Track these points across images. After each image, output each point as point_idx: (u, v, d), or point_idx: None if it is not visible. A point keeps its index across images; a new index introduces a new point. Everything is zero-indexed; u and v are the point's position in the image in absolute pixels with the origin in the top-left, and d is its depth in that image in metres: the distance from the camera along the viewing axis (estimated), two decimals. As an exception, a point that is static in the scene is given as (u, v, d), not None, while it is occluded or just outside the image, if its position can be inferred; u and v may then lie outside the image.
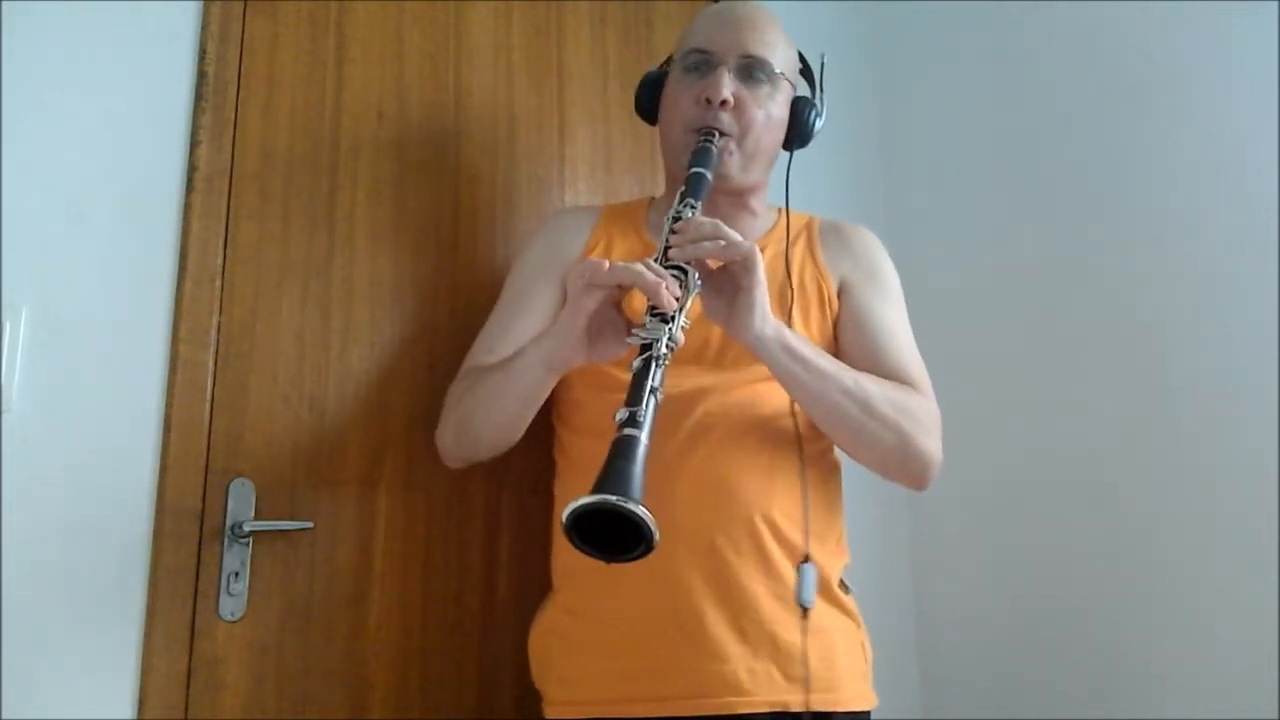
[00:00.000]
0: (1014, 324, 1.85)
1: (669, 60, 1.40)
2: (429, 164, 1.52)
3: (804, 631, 1.13)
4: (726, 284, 1.10)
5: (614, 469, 0.90)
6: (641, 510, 0.87)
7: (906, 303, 1.35)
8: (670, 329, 1.02)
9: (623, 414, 0.95)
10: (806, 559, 1.12)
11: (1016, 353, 1.84)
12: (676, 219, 1.14)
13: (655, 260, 1.08)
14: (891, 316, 1.30)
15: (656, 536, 0.88)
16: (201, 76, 1.35)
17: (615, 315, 1.09)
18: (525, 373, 1.16)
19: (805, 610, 1.09)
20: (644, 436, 0.93)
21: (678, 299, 1.04)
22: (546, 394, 1.19)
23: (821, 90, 1.37)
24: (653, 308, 1.03)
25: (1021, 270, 1.85)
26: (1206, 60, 1.63)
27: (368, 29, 1.50)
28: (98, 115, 1.28)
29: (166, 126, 1.32)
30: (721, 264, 1.10)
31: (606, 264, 1.04)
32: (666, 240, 1.11)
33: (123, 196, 1.28)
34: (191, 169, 1.32)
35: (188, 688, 1.22)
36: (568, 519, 0.88)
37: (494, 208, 1.57)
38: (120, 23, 1.31)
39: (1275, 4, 1.54)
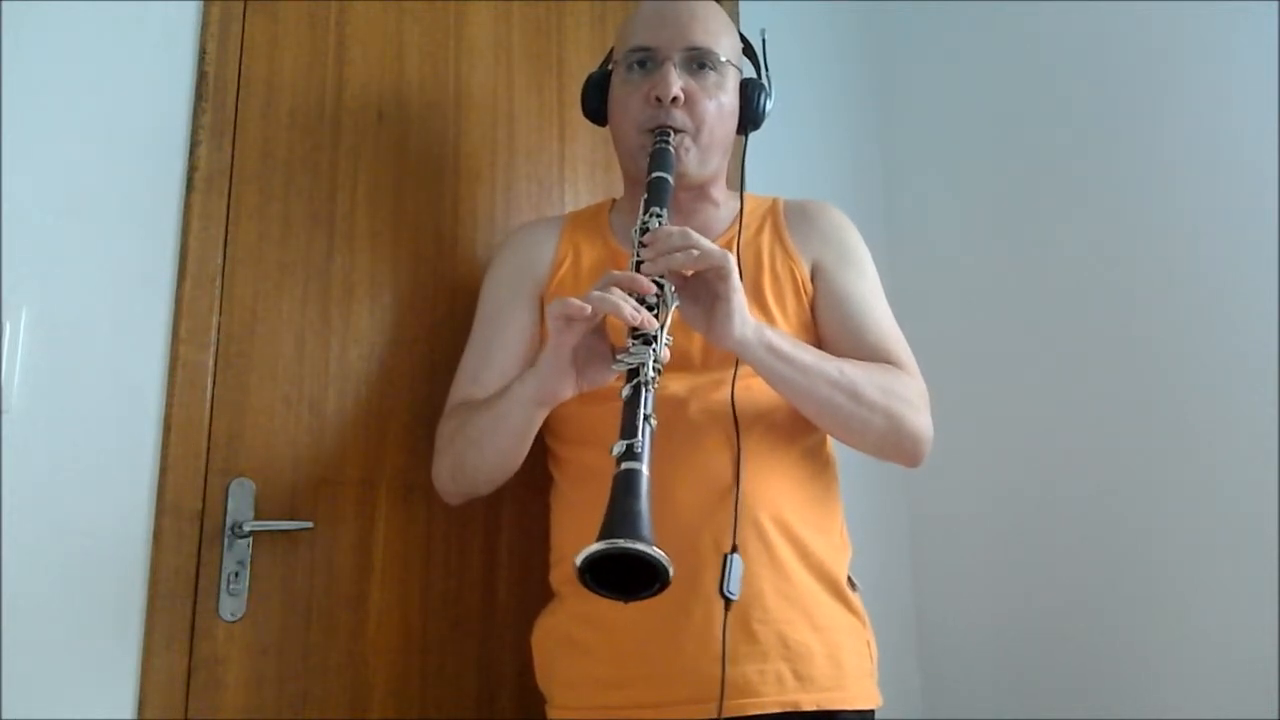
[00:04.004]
0: (1013, 318, 1.85)
1: (608, 59, 1.39)
2: (429, 164, 1.53)
3: (726, 623, 1.10)
4: (703, 291, 1.09)
5: (620, 508, 0.90)
6: (655, 551, 0.87)
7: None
8: (654, 350, 1.02)
9: (619, 447, 0.95)
10: (734, 549, 1.10)
11: (1015, 348, 1.84)
12: (644, 230, 1.13)
13: None
14: (868, 294, 1.30)
15: (672, 573, 0.89)
16: (201, 76, 1.35)
17: (598, 341, 1.09)
18: (515, 411, 1.16)
19: (728, 601, 1.07)
20: (644, 468, 0.94)
21: (657, 314, 1.04)
22: (538, 426, 1.19)
23: (767, 69, 1.35)
24: (634, 329, 1.03)
25: (1020, 265, 1.85)
26: (1206, 59, 1.63)
27: (368, 29, 1.50)
28: (98, 115, 1.28)
29: (166, 126, 1.32)
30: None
31: (586, 307, 1.03)
32: (637, 254, 1.10)
33: (123, 196, 1.28)
34: (191, 169, 1.32)
35: (188, 688, 1.22)
36: (580, 565, 0.88)
37: (494, 208, 1.57)
38: (120, 23, 1.31)
39: (1275, 4, 1.54)
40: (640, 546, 0.87)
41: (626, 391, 1.00)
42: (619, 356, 1.03)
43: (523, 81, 1.64)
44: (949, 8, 2.05)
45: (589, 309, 1.03)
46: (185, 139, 1.32)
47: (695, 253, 1.07)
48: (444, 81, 1.56)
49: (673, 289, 1.08)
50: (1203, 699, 1.50)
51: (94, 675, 1.18)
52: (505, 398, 1.17)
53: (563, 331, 1.06)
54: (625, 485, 0.92)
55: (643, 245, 1.11)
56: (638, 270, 1.09)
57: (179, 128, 1.33)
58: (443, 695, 1.38)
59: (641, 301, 1.05)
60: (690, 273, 1.09)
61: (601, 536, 0.88)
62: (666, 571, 0.88)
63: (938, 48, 2.08)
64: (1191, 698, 1.51)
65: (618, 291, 1.03)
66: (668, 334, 1.05)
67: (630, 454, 0.94)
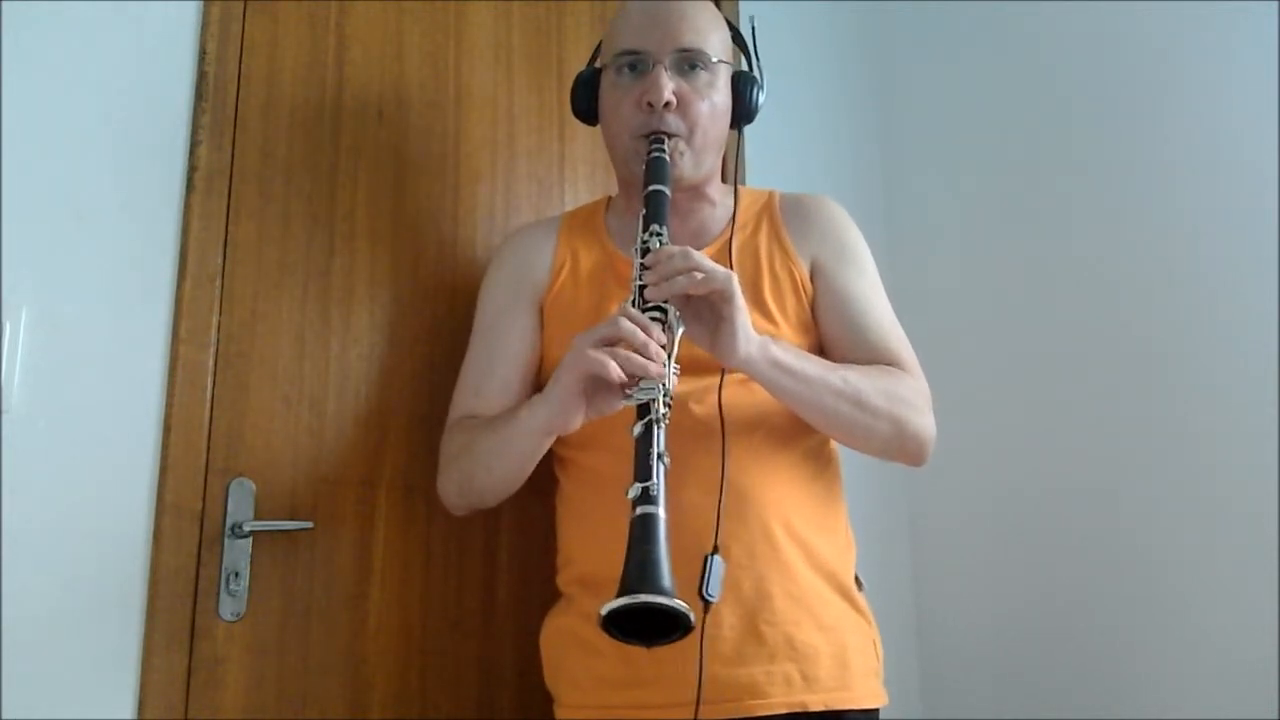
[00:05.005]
0: (1013, 317, 1.85)
1: (595, 57, 1.38)
2: (429, 164, 1.53)
3: (704, 625, 1.07)
4: (706, 310, 1.09)
5: (639, 557, 0.91)
6: (677, 603, 0.88)
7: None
8: (664, 384, 1.02)
9: (635, 491, 0.95)
10: (715, 550, 1.08)
11: (1015, 347, 1.84)
12: (645, 250, 1.13)
13: (631, 302, 1.09)
14: (868, 291, 1.30)
15: (694, 620, 0.90)
16: (201, 76, 1.34)
17: None
18: (523, 438, 1.16)
19: (707, 604, 1.05)
20: (661, 511, 0.94)
21: (664, 346, 1.04)
22: (545, 450, 1.19)
23: (758, 58, 1.33)
24: None
25: (1020, 265, 1.85)
26: (1206, 59, 1.63)
27: (368, 29, 1.50)
28: (98, 115, 1.28)
29: (166, 126, 1.32)
30: None
31: (619, 374, 1.03)
32: (640, 276, 1.10)
33: (123, 196, 1.28)
34: (191, 169, 1.32)
35: (188, 688, 1.22)
36: (604, 618, 0.89)
37: (494, 208, 1.57)
38: (120, 23, 1.31)
39: (1275, 4, 1.54)
40: (663, 600, 0.88)
41: (638, 430, 1.00)
42: (628, 390, 1.03)
43: (523, 81, 1.64)
44: (949, 8, 2.05)
45: (624, 377, 1.02)
46: (185, 139, 1.32)
47: (699, 276, 1.06)
48: (444, 81, 1.56)
49: (677, 314, 1.08)
50: (1203, 699, 1.50)
51: (94, 675, 1.18)
52: (513, 425, 1.17)
53: (573, 365, 1.06)
54: (643, 531, 0.93)
55: (644, 268, 1.10)
56: (641, 292, 1.09)
57: (179, 128, 1.32)
58: (443, 695, 1.38)
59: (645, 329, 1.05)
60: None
61: (623, 588, 0.89)
62: (688, 619, 0.89)
63: (938, 48, 2.08)
64: (1191, 698, 1.51)
65: (629, 352, 1.03)
66: (675, 362, 1.05)
67: (646, 498, 0.95)
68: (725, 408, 1.16)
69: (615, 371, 1.02)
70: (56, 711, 1.14)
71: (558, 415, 1.10)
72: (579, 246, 1.34)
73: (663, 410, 1.01)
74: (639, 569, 0.90)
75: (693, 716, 1.07)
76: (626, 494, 0.96)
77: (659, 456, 0.97)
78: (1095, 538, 1.68)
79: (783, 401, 1.16)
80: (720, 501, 1.10)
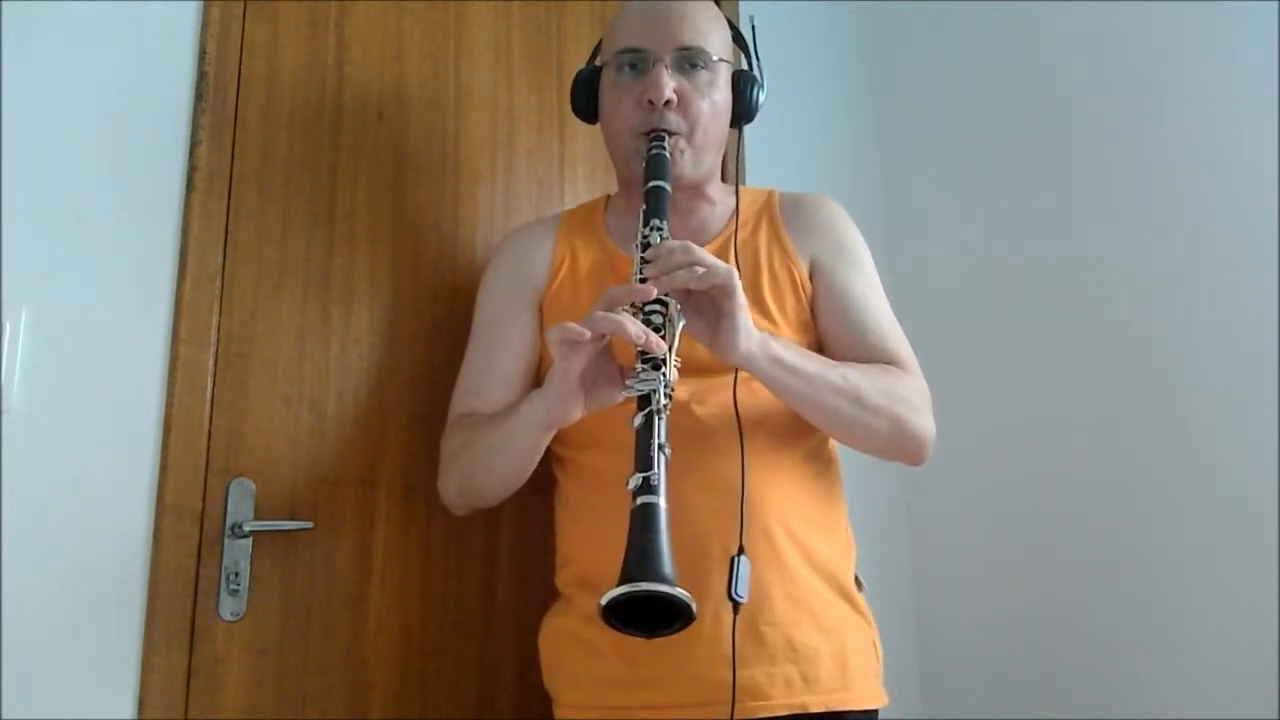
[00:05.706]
0: (1013, 317, 1.85)
1: (595, 55, 1.38)
2: (429, 164, 1.53)
3: (735, 627, 1.08)
4: (707, 305, 1.09)
5: (639, 546, 0.91)
6: (679, 592, 0.88)
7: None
8: (664, 375, 1.01)
9: (635, 481, 0.95)
10: (741, 550, 1.08)
11: (1015, 348, 1.84)
12: (645, 245, 1.13)
13: None
14: (866, 290, 1.29)
15: (695, 610, 0.90)
16: (201, 76, 1.34)
17: (606, 363, 1.08)
18: (523, 433, 1.16)
19: (736, 605, 1.05)
20: (662, 501, 0.93)
21: (663, 336, 1.03)
22: (544, 446, 1.18)
23: (758, 58, 1.33)
24: (642, 352, 1.02)
25: (1020, 265, 1.85)
26: (1206, 59, 1.63)
27: (368, 29, 1.50)
28: (98, 115, 1.28)
29: (166, 126, 1.32)
30: None
31: (585, 332, 1.02)
32: (640, 270, 1.10)
33: (123, 196, 1.28)
34: (191, 169, 1.32)
35: (188, 688, 1.22)
36: (604, 607, 0.89)
37: (494, 208, 1.57)
38: (120, 23, 1.31)
39: (1275, 4, 1.54)
40: (664, 589, 0.88)
41: (638, 421, 1.00)
42: (629, 381, 1.03)
43: (523, 81, 1.64)
44: (949, 8, 2.05)
45: (588, 334, 1.02)
46: (185, 139, 1.32)
47: (700, 270, 1.06)
48: (444, 81, 1.56)
49: (678, 308, 1.07)
50: (1203, 699, 1.50)
51: (94, 675, 1.18)
52: (512, 420, 1.17)
53: (568, 356, 1.05)
54: (644, 521, 0.92)
55: (645, 261, 1.10)
56: None
57: (179, 128, 1.32)
58: (443, 695, 1.38)
59: (647, 322, 1.04)
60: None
61: (623, 577, 0.88)
62: (690, 609, 0.89)
63: (938, 48, 2.08)
64: (1191, 698, 1.51)
65: (623, 317, 1.02)
66: (676, 355, 1.04)
67: (647, 487, 0.94)
68: (729, 408, 1.16)
69: (634, 328, 1.00)
70: (56, 711, 1.14)
71: (557, 407, 1.09)
72: (578, 245, 1.34)
73: (664, 401, 1.00)
74: (639, 558, 0.89)
75: (728, 717, 1.07)
76: (627, 485, 0.95)
77: (660, 447, 0.97)
78: (1095, 538, 1.68)
79: (782, 399, 1.16)
80: (742, 502, 1.10)
